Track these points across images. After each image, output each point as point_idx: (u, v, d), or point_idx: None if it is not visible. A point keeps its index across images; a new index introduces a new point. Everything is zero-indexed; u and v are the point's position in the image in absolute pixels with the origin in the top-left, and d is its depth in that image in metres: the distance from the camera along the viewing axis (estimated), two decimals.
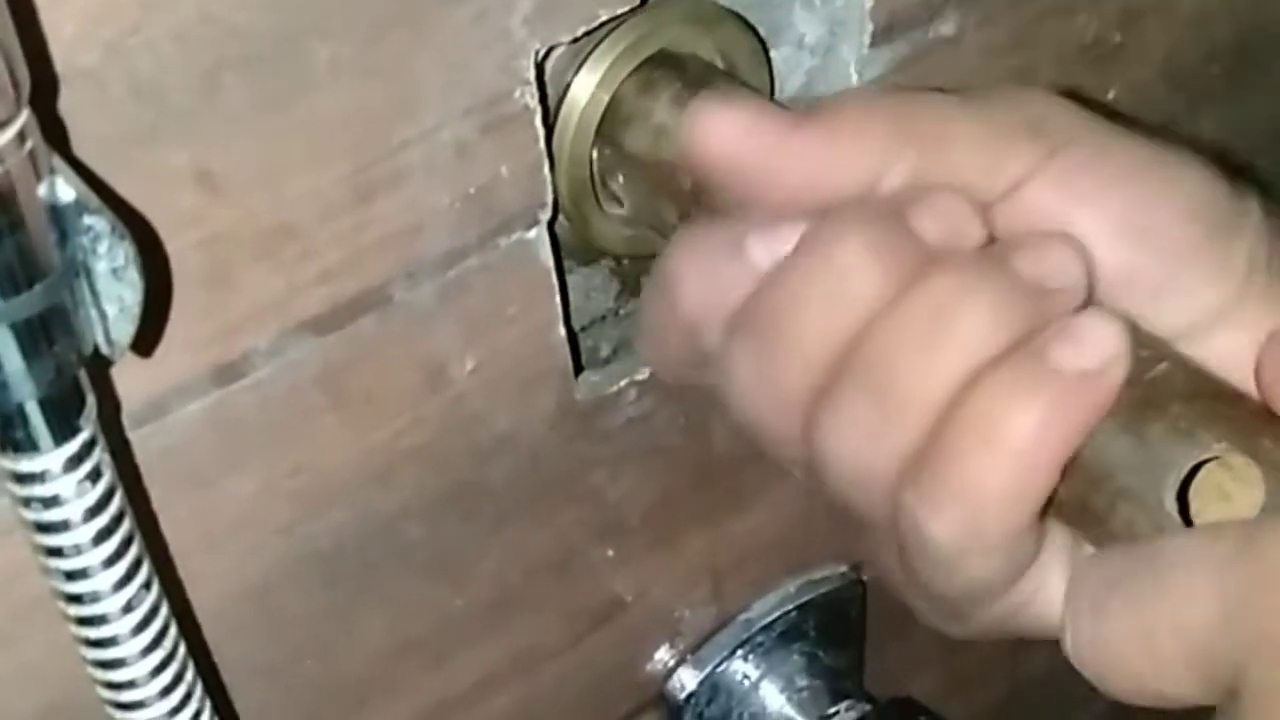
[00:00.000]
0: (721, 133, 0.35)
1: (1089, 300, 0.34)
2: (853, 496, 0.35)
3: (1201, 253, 0.35)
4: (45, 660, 0.37)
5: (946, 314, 0.33)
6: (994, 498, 0.32)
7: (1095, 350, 0.32)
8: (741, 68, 0.45)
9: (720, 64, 0.44)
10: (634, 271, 0.47)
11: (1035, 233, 0.35)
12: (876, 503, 0.34)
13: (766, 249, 0.35)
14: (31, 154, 0.26)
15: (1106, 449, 0.32)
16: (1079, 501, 0.33)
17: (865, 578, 0.57)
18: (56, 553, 0.30)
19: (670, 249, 0.38)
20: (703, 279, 0.36)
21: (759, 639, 0.55)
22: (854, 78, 0.45)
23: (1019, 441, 0.32)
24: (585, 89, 0.42)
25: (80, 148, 0.31)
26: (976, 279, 0.33)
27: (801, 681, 0.56)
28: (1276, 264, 0.36)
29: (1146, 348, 0.33)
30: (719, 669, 0.54)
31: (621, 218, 0.45)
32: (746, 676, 0.55)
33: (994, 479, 0.32)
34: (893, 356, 0.33)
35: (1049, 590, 0.36)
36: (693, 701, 0.54)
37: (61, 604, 0.31)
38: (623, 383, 0.45)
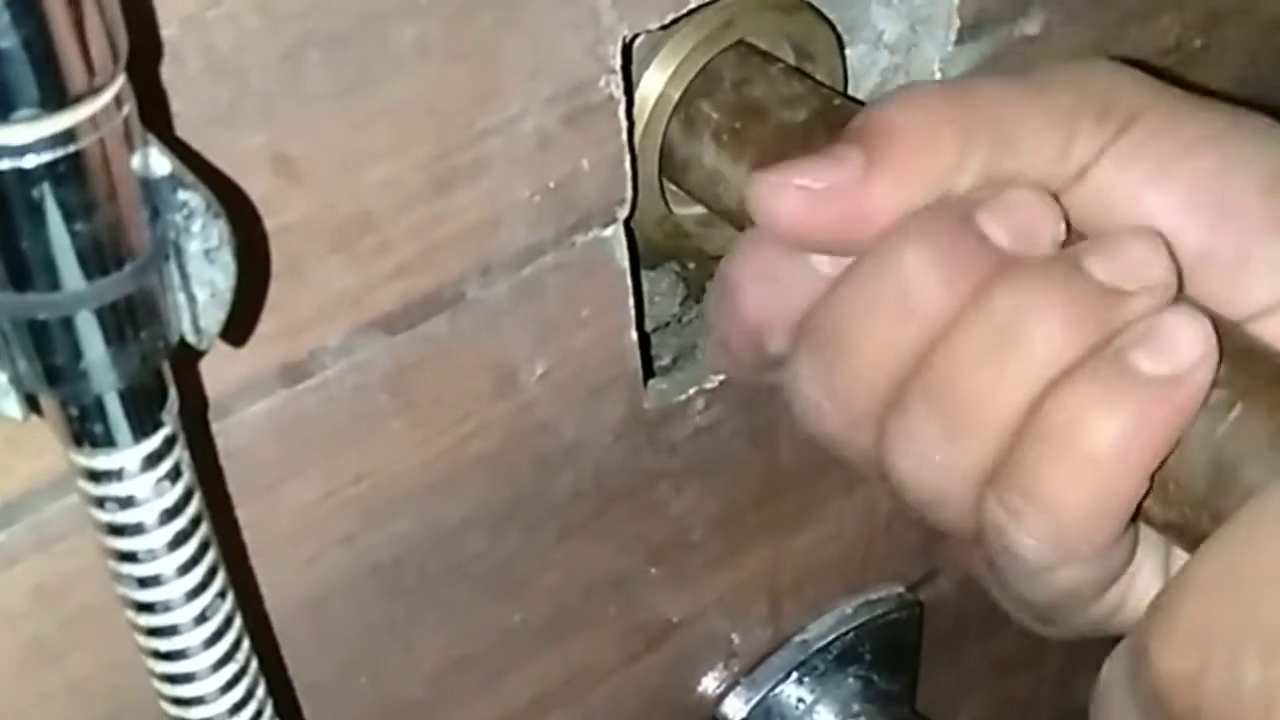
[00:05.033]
0: (792, 210, 0.33)
1: (1179, 294, 0.32)
2: (932, 511, 0.34)
3: None
4: (93, 676, 0.35)
5: (1012, 330, 0.31)
6: (1080, 512, 0.31)
7: (1180, 353, 0.30)
8: (817, 64, 0.43)
9: (793, 60, 0.43)
10: (699, 276, 0.46)
11: (1114, 229, 0.33)
12: (957, 516, 0.33)
13: (831, 258, 0.34)
14: (126, 122, 0.24)
15: (1197, 455, 0.31)
16: (1167, 508, 0.32)
17: (922, 599, 0.55)
18: (129, 558, 0.28)
19: (732, 253, 0.36)
20: (765, 286, 0.35)
21: (814, 662, 0.53)
22: (937, 76, 0.43)
23: (1103, 453, 0.30)
24: (656, 83, 0.40)
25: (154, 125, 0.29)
26: (1046, 290, 0.31)
27: (856, 706, 0.54)
28: None
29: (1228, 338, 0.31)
30: (773, 692, 0.52)
31: (688, 219, 0.43)
32: (801, 700, 0.53)
33: (1079, 493, 0.31)
34: (959, 375, 0.31)
35: (1140, 593, 0.34)
36: None
37: (130, 613, 0.29)
38: (691, 391, 0.43)
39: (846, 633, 0.53)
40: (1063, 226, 0.33)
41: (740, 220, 0.39)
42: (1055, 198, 0.33)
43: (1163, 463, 0.31)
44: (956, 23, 0.42)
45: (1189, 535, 0.32)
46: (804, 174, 0.33)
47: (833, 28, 0.43)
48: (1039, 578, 0.33)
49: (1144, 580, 0.35)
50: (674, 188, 0.42)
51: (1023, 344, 0.31)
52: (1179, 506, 0.31)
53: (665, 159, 0.41)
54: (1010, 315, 0.31)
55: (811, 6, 0.43)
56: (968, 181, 0.33)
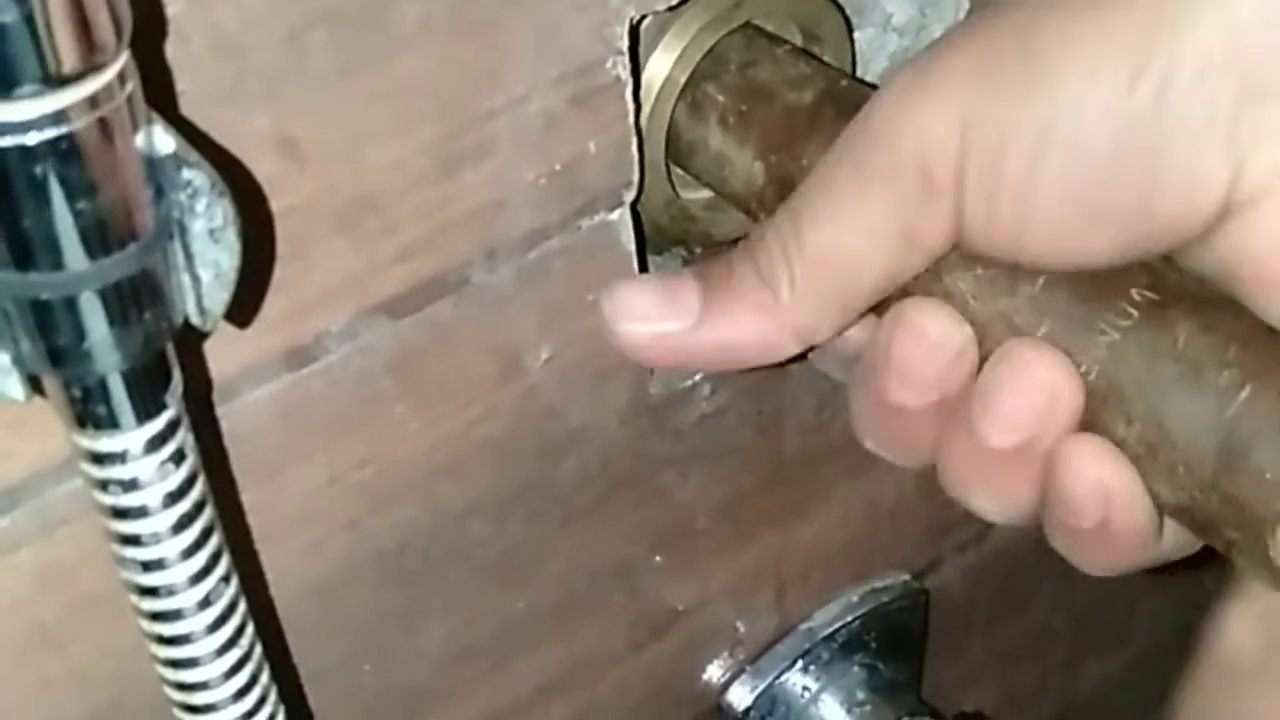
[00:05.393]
0: (635, 346, 0.36)
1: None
2: None
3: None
4: (96, 662, 0.35)
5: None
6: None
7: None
8: (825, 48, 0.43)
9: (801, 43, 0.42)
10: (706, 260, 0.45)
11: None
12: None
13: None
14: (129, 100, 0.23)
15: (1205, 438, 0.31)
16: (1176, 491, 0.32)
17: (928, 587, 0.55)
18: (133, 541, 0.27)
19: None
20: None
21: (820, 650, 0.52)
22: None
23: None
24: (663, 65, 0.40)
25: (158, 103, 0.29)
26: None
27: (861, 694, 0.53)
28: None
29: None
30: (778, 681, 0.52)
31: (694, 203, 0.42)
32: (806, 689, 0.52)
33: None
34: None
35: None
36: (751, 714, 0.52)
37: (134, 597, 0.29)
38: (697, 377, 0.43)
39: (852, 621, 0.53)
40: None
41: (747, 204, 0.39)
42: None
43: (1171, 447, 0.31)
44: (965, 5, 0.42)
45: (1198, 518, 0.31)
46: (639, 314, 0.36)
47: (841, 11, 0.43)
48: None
49: None
50: (680, 171, 0.41)
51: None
52: (1188, 490, 0.31)
53: (671, 142, 0.40)
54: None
55: None
56: (824, 326, 0.35)
